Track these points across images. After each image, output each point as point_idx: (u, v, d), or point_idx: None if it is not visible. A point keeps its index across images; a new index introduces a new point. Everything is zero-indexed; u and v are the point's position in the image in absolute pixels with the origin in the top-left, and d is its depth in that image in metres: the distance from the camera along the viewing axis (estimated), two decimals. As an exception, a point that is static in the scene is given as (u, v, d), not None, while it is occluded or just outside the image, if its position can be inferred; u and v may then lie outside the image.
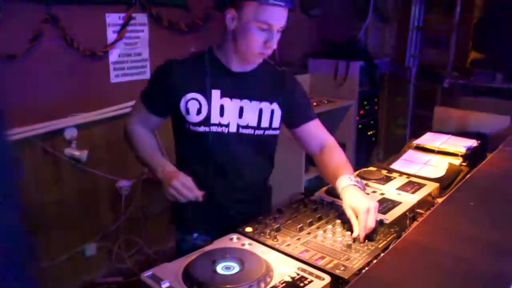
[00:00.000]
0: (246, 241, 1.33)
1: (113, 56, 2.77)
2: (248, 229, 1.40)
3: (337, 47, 4.11)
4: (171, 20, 2.95)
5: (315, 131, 1.74)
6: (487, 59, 2.06)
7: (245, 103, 1.58)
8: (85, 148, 2.66)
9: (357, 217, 1.35)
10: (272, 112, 1.63)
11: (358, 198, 1.40)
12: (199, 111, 1.54)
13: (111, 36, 2.73)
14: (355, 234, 1.33)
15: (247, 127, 1.60)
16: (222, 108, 1.56)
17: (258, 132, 1.62)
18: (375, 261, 1.19)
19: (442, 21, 4.14)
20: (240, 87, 1.58)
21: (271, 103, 1.62)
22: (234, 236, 1.36)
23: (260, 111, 1.61)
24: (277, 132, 1.68)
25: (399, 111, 4.53)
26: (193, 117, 1.55)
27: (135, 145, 1.66)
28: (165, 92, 1.56)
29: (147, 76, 2.91)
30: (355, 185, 1.45)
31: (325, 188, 1.75)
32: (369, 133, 4.31)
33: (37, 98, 2.48)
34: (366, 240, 1.32)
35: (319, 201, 1.60)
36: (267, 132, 1.64)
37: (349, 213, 1.38)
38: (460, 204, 1.44)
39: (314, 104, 3.74)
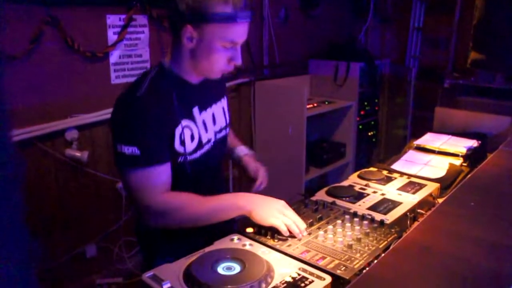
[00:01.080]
0: (247, 241, 1.33)
1: (114, 57, 2.77)
2: (249, 230, 1.40)
3: (337, 48, 4.11)
4: (172, 21, 2.95)
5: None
6: (487, 60, 2.06)
7: (214, 108, 1.55)
8: (85, 149, 2.67)
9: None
10: (228, 106, 1.65)
11: (256, 162, 1.70)
12: (192, 137, 1.44)
13: (111, 37, 2.73)
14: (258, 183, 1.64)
15: (220, 131, 1.58)
16: (204, 123, 1.49)
17: (226, 130, 1.63)
18: (376, 261, 1.19)
19: (442, 22, 4.15)
20: (205, 95, 1.52)
21: (225, 98, 1.64)
22: (235, 237, 1.36)
23: (223, 109, 1.61)
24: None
25: (399, 112, 4.54)
26: (189, 146, 1.42)
27: (184, 216, 1.36)
28: (160, 132, 1.35)
29: (148, 77, 2.91)
30: (252, 155, 1.75)
31: (325, 188, 1.76)
32: (369, 134, 4.32)
33: (37, 99, 2.49)
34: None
35: (319, 201, 1.60)
36: (228, 128, 1.66)
37: (252, 173, 1.67)
38: (460, 205, 1.44)
39: (315, 105, 3.75)
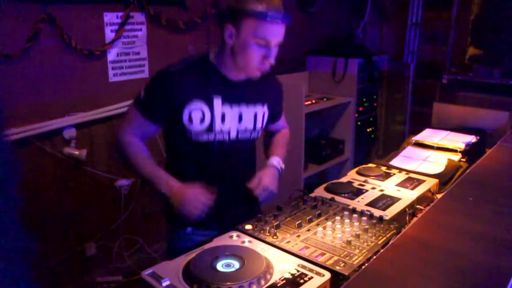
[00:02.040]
0: (246, 238, 1.33)
1: (111, 55, 2.77)
2: (248, 227, 1.40)
3: (335, 44, 4.11)
4: (169, 19, 2.95)
5: (281, 123, 1.92)
6: (485, 55, 2.06)
7: (243, 109, 1.63)
8: (84, 148, 2.66)
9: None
10: (263, 114, 1.70)
11: (266, 172, 1.68)
12: (202, 120, 1.55)
13: (109, 35, 2.73)
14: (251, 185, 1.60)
15: (245, 131, 1.65)
16: (223, 115, 1.58)
17: (253, 134, 1.69)
18: (374, 257, 1.19)
19: (440, 18, 4.14)
20: (238, 94, 1.61)
21: (263, 105, 1.69)
22: (234, 234, 1.36)
23: (255, 114, 1.67)
24: (262, 130, 1.76)
25: (398, 108, 4.54)
26: (197, 126, 1.55)
27: (131, 157, 1.62)
28: (168, 100, 1.54)
29: (146, 75, 2.90)
30: (278, 170, 1.74)
31: (324, 185, 1.76)
32: (368, 130, 4.32)
33: (35, 98, 2.48)
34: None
35: (318, 198, 1.61)
36: (259, 133, 1.72)
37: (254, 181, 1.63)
38: (459, 200, 1.44)
39: (313, 101, 3.74)
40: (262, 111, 1.69)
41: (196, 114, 1.54)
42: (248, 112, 1.64)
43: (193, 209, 1.50)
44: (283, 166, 1.77)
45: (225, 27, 1.47)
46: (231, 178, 1.68)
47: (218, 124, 1.57)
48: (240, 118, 1.63)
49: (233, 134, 1.62)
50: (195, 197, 1.51)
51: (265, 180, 1.62)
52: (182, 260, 1.20)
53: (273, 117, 1.81)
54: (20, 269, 0.49)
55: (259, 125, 1.69)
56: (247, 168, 1.77)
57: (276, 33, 1.47)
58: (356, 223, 1.40)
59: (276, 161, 1.74)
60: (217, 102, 1.57)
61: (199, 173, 1.63)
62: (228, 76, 1.58)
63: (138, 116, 1.60)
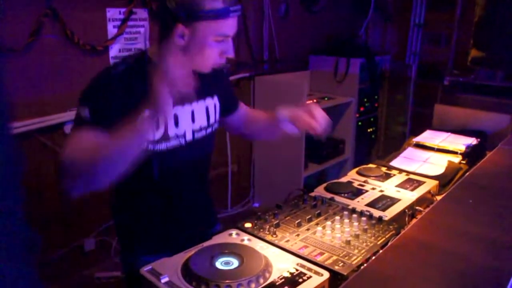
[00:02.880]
0: (245, 236, 1.33)
1: (113, 51, 2.77)
2: (248, 225, 1.40)
3: (337, 44, 4.11)
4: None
5: (244, 112, 1.77)
6: (487, 58, 2.06)
7: (194, 105, 1.50)
8: (84, 143, 2.66)
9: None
10: (215, 106, 1.59)
11: (297, 107, 1.55)
12: (156, 127, 1.33)
13: (111, 30, 2.73)
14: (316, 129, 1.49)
15: (200, 129, 1.53)
16: (176, 117, 1.44)
17: (208, 130, 1.56)
18: (373, 257, 1.19)
19: (443, 19, 4.14)
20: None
21: (212, 97, 1.58)
22: (233, 232, 1.36)
23: (207, 108, 1.55)
24: (218, 125, 1.63)
25: (399, 109, 4.54)
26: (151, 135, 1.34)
27: (86, 158, 1.23)
28: (120, 108, 1.29)
29: (147, 71, 2.90)
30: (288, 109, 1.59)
31: (324, 184, 1.76)
32: (369, 130, 4.32)
33: (36, 92, 2.48)
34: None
35: (318, 197, 1.61)
36: (214, 127, 1.60)
37: (305, 117, 1.52)
38: (459, 202, 1.44)
39: (314, 100, 3.74)
40: (212, 103, 1.57)
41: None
42: (199, 107, 1.52)
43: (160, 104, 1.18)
44: None
45: (175, 28, 1.30)
46: (189, 183, 1.56)
47: (171, 129, 1.43)
48: (193, 117, 1.49)
49: (188, 137, 1.48)
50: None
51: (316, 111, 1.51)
52: (182, 257, 1.21)
53: (229, 107, 1.69)
54: (22, 264, 0.49)
55: (212, 119, 1.56)
56: (206, 170, 1.65)
57: (234, 25, 1.36)
58: (356, 223, 1.40)
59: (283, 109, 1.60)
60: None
61: (152, 186, 1.46)
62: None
63: (85, 131, 1.29)
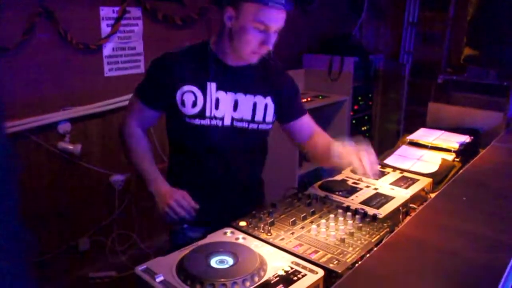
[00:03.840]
0: (240, 235, 1.33)
1: (107, 49, 2.76)
2: (242, 223, 1.40)
3: (331, 43, 4.11)
4: (166, 14, 2.94)
5: (307, 124, 1.79)
6: (481, 56, 2.07)
7: (239, 96, 1.59)
8: (78, 142, 2.66)
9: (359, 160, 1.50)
10: (266, 106, 1.64)
11: (352, 147, 1.54)
12: (194, 104, 1.54)
13: (105, 29, 2.72)
14: (363, 172, 1.50)
15: (241, 120, 1.61)
16: (217, 101, 1.56)
17: (252, 125, 1.63)
18: (368, 255, 1.20)
19: (437, 18, 4.16)
20: (235, 80, 1.58)
21: (264, 97, 1.64)
22: (228, 230, 1.36)
23: (254, 104, 1.62)
24: (270, 126, 1.70)
25: (393, 107, 4.55)
26: (189, 109, 1.54)
27: (130, 149, 1.64)
28: (162, 84, 1.55)
29: (141, 70, 2.90)
30: (346, 145, 1.58)
31: (319, 182, 1.76)
32: (363, 129, 4.33)
33: (30, 92, 2.47)
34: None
35: (313, 195, 1.61)
36: (261, 126, 1.65)
37: (354, 159, 1.51)
38: (452, 199, 1.45)
39: (308, 99, 3.75)
40: (263, 102, 1.64)
41: (188, 98, 1.54)
42: (245, 100, 1.61)
43: (173, 212, 1.49)
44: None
45: (225, 10, 1.45)
46: (225, 167, 1.64)
47: (210, 110, 1.56)
48: (236, 106, 1.59)
49: (227, 122, 1.59)
50: (178, 201, 1.49)
51: (363, 155, 1.51)
52: (176, 256, 1.20)
53: (288, 114, 1.73)
54: (17, 263, 0.49)
55: (259, 117, 1.63)
56: (247, 162, 1.70)
57: (276, 18, 1.44)
58: (350, 221, 1.40)
59: (339, 142, 1.59)
60: (211, 87, 1.55)
61: (193, 157, 1.64)
62: (227, 62, 1.56)
63: (137, 103, 1.62)
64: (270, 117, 1.67)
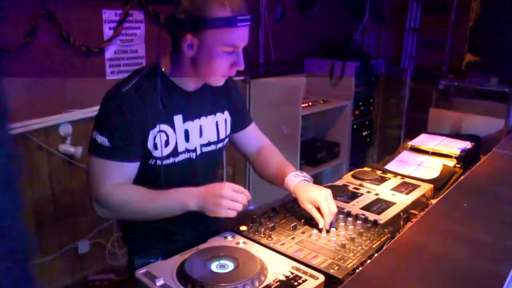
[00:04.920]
0: (241, 239, 1.33)
1: (109, 52, 2.76)
2: (243, 228, 1.40)
3: (333, 47, 4.12)
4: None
5: (253, 134, 1.71)
6: (482, 62, 2.07)
7: (203, 120, 1.49)
8: (79, 145, 2.65)
9: (318, 209, 1.40)
10: (225, 121, 1.57)
11: (312, 190, 1.43)
12: (167, 143, 1.39)
13: (107, 32, 2.72)
14: (321, 225, 1.37)
15: (208, 144, 1.52)
16: (186, 133, 1.44)
17: (219, 145, 1.56)
18: (369, 261, 1.19)
19: (439, 23, 4.16)
20: (197, 105, 1.47)
21: (223, 112, 1.56)
22: (229, 235, 1.36)
23: (216, 124, 1.54)
24: (227, 139, 1.62)
25: (394, 112, 4.55)
26: (161, 151, 1.38)
27: (131, 206, 1.36)
28: (133, 130, 1.33)
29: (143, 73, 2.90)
30: (305, 179, 1.50)
31: (320, 187, 1.76)
32: (364, 134, 4.33)
33: (31, 94, 2.47)
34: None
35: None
36: (224, 142, 1.59)
37: (309, 207, 1.42)
38: (454, 205, 1.44)
39: (310, 104, 3.75)
40: (223, 118, 1.56)
41: (161, 138, 1.37)
42: (208, 123, 1.50)
43: (233, 203, 1.28)
44: (304, 173, 1.55)
45: (184, 38, 1.29)
46: None
47: (181, 144, 1.43)
48: (201, 132, 1.48)
49: (198, 151, 1.48)
50: (232, 190, 1.30)
51: (322, 204, 1.39)
52: (177, 260, 1.20)
53: (239, 124, 1.65)
54: (19, 265, 0.49)
55: (222, 134, 1.55)
56: (214, 180, 1.55)
57: (244, 36, 1.33)
58: (351, 227, 1.40)
59: (295, 175, 1.51)
60: (178, 120, 1.42)
61: None
62: (185, 88, 1.42)
63: (110, 165, 1.34)
64: (229, 130, 1.60)
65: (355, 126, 4.13)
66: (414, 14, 4.30)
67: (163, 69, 1.40)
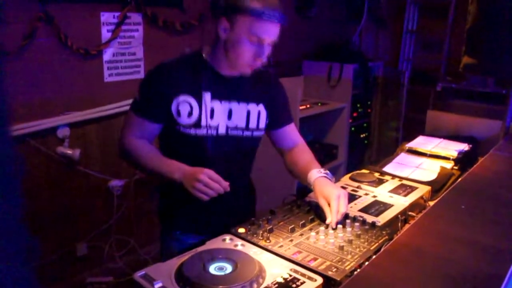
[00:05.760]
0: (239, 242, 1.33)
1: (107, 55, 2.76)
2: (241, 230, 1.40)
3: (331, 49, 4.13)
4: (166, 20, 2.95)
5: (290, 133, 1.82)
6: (479, 64, 2.08)
7: (233, 105, 1.61)
8: (77, 147, 2.65)
9: (329, 204, 1.45)
10: (259, 113, 1.67)
11: (328, 187, 1.51)
12: (190, 114, 1.55)
13: (105, 35, 2.72)
14: (328, 221, 1.43)
15: (236, 128, 1.63)
16: (212, 110, 1.57)
17: (246, 133, 1.65)
18: (367, 263, 1.20)
19: (436, 26, 4.18)
20: (229, 89, 1.60)
21: (257, 104, 1.67)
22: (227, 237, 1.36)
23: (248, 112, 1.64)
24: (262, 133, 1.72)
25: (392, 114, 4.56)
26: (184, 119, 1.55)
27: (138, 159, 1.60)
28: (159, 96, 1.54)
29: (141, 75, 2.90)
30: (325, 176, 1.57)
31: (318, 190, 1.76)
32: (361, 136, 4.34)
33: (30, 96, 2.47)
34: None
35: (312, 202, 1.61)
36: (255, 134, 1.68)
37: (322, 202, 1.49)
38: (451, 207, 1.45)
39: (308, 106, 3.76)
40: (256, 110, 1.66)
41: (184, 108, 1.54)
42: (239, 109, 1.62)
43: (206, 188, 1.42)
44: (327, 171, 1.62)
45: (220, 21, 1.46)
46: (220, 175, 1.58)
47: (205, 119, 1.56)
48: (230, 114, 1.61)
49: (221, 130, 1.59)
50: (208, 177, 1.43)
51: (333, 201, 1.45)
52: (175, 262, 1.20)
53: (276, 121, 1.76)
54: (19, 267, 0.49)
55: (253, 124, 1.66)
56: (240, 169, 1.73)
57: (270, 32, 1.46)
58: (349, 229, 1.40)
59: (317, 171, 1.59)
60: (206, 96, 1.56)
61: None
62: (220, 72, 1.58)
63: (135, 119, 1.59)
64: (263, 123, 1.70)
65: (353, 128, 4.14)
66: (411, 16, 4.32)
67: (203, 54, 1.58)
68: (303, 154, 1.77)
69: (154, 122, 1.59)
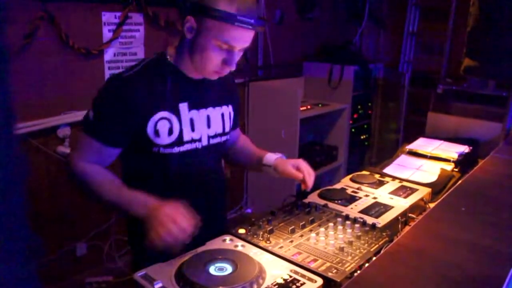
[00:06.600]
0: (239, 242, 1.33)
1: (108, 55, 2.77)
2: (241, 231, 1.40)
3: (332, 51, 4.13)
4: (167, 20, 2.95)
5: (238, 130, 1.78)
6: (480, 67, 2.08)
7: (210, 111, 1.48)
8: (78, 147, 2.65)
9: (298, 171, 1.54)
10: (230, 114, 1.57)
11: (290, 160, 1.59)
12: (170, 131, 1.37)
13: (106, 35, 2.72)
14: (304, 187, 1.57)
15: (215, 136, 1.51)
16: (192, 122, 1.42)
17: (224, 138, 1.55)
18: (367, 264, 1.20)
19: (437, 28, 4.18)
20: (203, 95, 1.46)
21: (227, 105, 1.56)
22: (227, 238, 1.36)
23: (222, 115, 1.53)
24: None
25: (392, 116, 4.56)
26: (164, 139, 1.36)
27: (90, 189, 1.34)
28: (125, 116, 1.32)
29: (142, 75, 2.90)
30: (282, 157, 1.63)
31: (318, 191, 1.76)
32: (362, 137, 4.34)
33: (30, 95, 2.47)
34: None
35: (312, 204, 1.61)
36: (228, 136, 1.59)
37: (291, 170, 1.55)
38: (451, 209, 1.45)
39: (308, 107, 3.76)
40: (228, 111, 1.55)
41: (163, 126, 1.35)
42: (215, 114, 1.49)
43: (166, 235, 1.17)
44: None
45: (186, 19, 1.28)
46: (202, 193, 1.52)
47: (187, 133, 1.40)
48: (209, 122, 1.47)
49: (204, 142, 1.46)
50: (172, 219, 1.19)
51: (300, 162, 1.59)
52: (175, 263, 1.20)
53: (235, 122, 1.66)
54: (23, 266, 0.49)
55: (227, 127, 1.55)
56: (218, 177, 1.61)
57: (242, 39, 1.29)
58: (349, 230, 1.41)
59: (273, 154, 1.62)
60: (184, 108, 1.39)
61: (163, 188, 1.41)
62: (190, 76, 1.41)
63: (89, 141, 1.35)
64: (232, 123, 1.61)
65: (353, 130, 4.14)
66: (412, 18, 4.32)
67: (168, 58, 1.40)
68: (248, 142, 1.78)
69: (113, 147, 1.37)
